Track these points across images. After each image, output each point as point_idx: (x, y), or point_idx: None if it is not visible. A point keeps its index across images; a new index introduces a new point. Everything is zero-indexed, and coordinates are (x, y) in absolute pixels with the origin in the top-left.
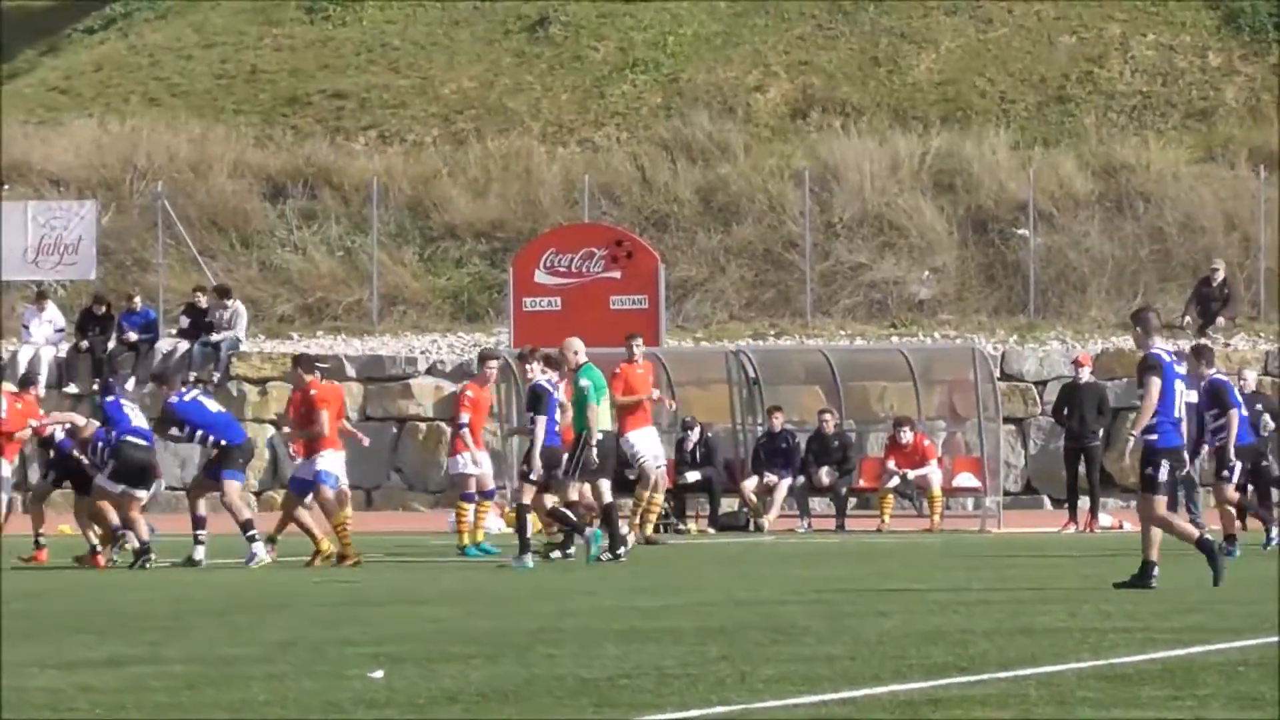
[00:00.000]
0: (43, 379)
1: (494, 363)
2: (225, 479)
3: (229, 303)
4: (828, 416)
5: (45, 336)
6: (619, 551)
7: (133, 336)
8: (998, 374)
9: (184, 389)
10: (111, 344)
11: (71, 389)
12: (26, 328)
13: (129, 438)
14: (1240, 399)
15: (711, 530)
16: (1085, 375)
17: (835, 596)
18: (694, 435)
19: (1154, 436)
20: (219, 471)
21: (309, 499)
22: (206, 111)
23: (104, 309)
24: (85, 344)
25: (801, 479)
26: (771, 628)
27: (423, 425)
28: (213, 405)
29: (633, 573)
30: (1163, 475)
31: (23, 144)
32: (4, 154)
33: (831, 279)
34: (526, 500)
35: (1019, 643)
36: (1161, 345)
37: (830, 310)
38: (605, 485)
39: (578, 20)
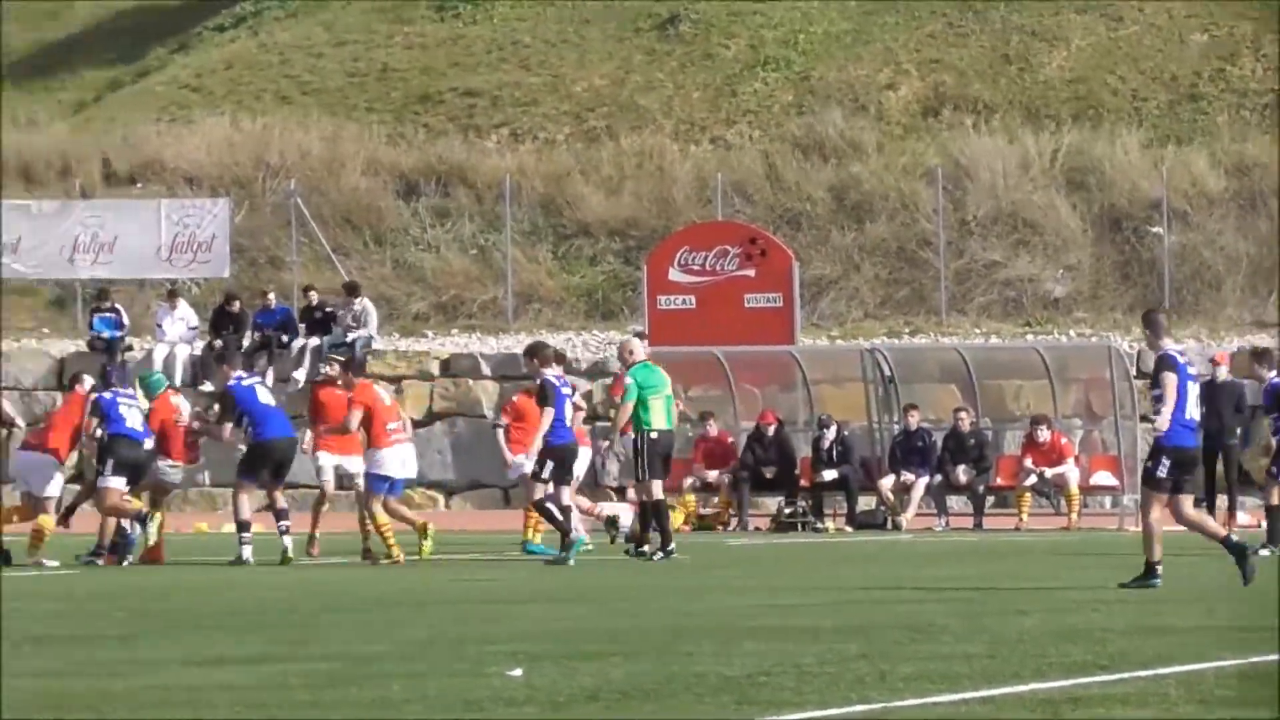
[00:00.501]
0: (178, 377)
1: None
2: (240, 480)
3: (356, 301)
4: (963, 415)
5: (179, 335)
6: (670, 549)
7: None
8: (1134, 371)
9: (243, 374)
10: (245, 342)
11: (207, 387)
12: (160, 326)
13: (121, 435)
14: None
15: (849, 528)
16: (1222, 374)
17: (973, 595)
18: (830, 434)
19: (1163, 434)
20: (243, 475)
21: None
22: (338, 109)
23: (237, 307)
24: (219, 342)
25: (938, 477)
26: (910, 626)
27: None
28: (265, 397)
29: (771, 571)
30: (1163, 473)
31: (155, 142)
32: (137, 152)
33: (965, 277)
34: (537, 496)
35: (1157, 641)
36: (1174, 347)
37: (965, 308)
38: (657, 484)
39: (708, 18)
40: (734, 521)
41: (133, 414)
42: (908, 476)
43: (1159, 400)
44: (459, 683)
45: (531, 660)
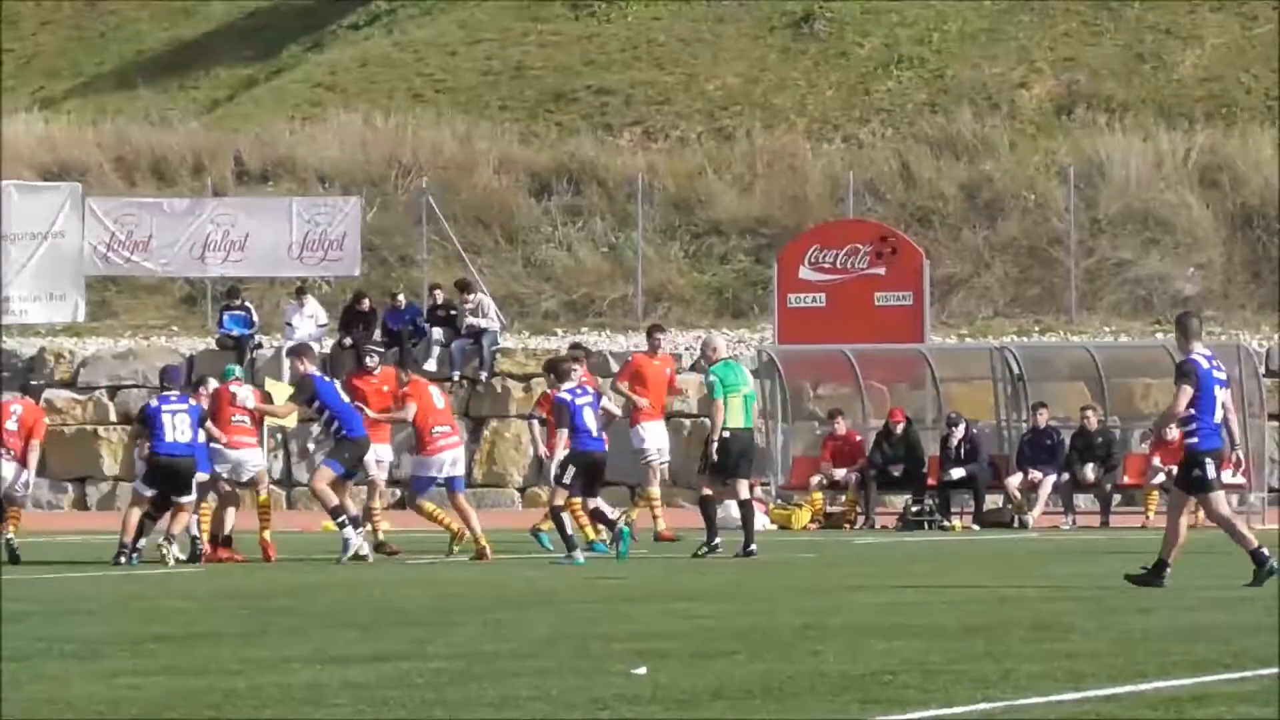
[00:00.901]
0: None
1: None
2: (324, 465)
3: (471, 297)
4: (1091, 413)
5: (308, 332)
6: (750, 549)
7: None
8: (1263, 370)
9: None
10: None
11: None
12: (290, 324)
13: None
14: None
15: (976, 526)
16: None
17: (1099, 593)
18: (959, 432)
19: (1195, 440)
20: (328, 459)
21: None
22: (471, 108)
23: (367, 305)
24: (349, 340)
25: (1066, 475)
26: (1035, 624)
27: (687, 422)
28: (344, 395)
29: (897, 569)
30: (1211, 473)
31: (288, 140)
32: (270, 150)
33: (1096, 275)
34: (558, 502)
35: None
36: (1201, 351)
37: (1095, 306)
38: (743, 484)
39: (842, 16)
40: (861, 519)
41: (178, 423)
42: (1035, 475)
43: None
44: (583, 680)
45: (656, 658)
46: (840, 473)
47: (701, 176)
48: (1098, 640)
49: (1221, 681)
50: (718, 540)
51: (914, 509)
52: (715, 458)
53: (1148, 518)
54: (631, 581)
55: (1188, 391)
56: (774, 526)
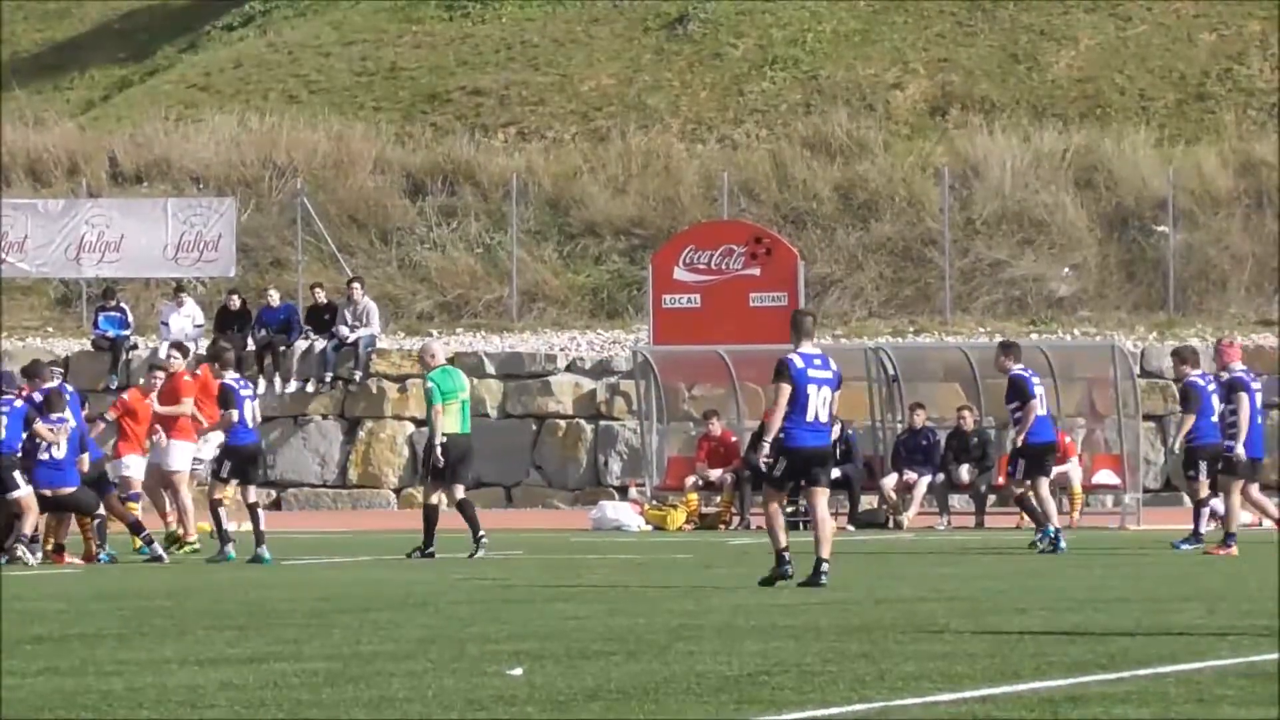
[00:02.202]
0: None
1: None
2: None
3: (359, 295)
4: (966, 414)
5: (184, 333)
6: (481, 536)
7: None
8: (1137, 371)
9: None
10: (249, 342)
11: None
12: (165, 324)
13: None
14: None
15: (851, 527)
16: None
17: (975, 594)
18: (834, 432)
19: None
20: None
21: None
22: (346, 109)
23: (238, 304)
24: (224, 341)
25: (941, 476)
26: (911, 625)
27: (562, 423)
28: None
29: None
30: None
31: (163, 141)
32: (145, 151)
33: (971, 276)
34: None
35: (1158, 640)
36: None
37: (969, 307)
38: (458, 488)
39: (716, 17)
40: (736, 520)
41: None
42: (910, 475)
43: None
44: (460, 681)
45: (532, 659)
46: (715, 473)
47: (576, 177)
48: (974, 641)
49: (1097, 682)
50: (433, 548)
51: (788, 510)
52: (439, 464)
53: (1021, 519)
54: (508, 582)
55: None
56: (649, 527)
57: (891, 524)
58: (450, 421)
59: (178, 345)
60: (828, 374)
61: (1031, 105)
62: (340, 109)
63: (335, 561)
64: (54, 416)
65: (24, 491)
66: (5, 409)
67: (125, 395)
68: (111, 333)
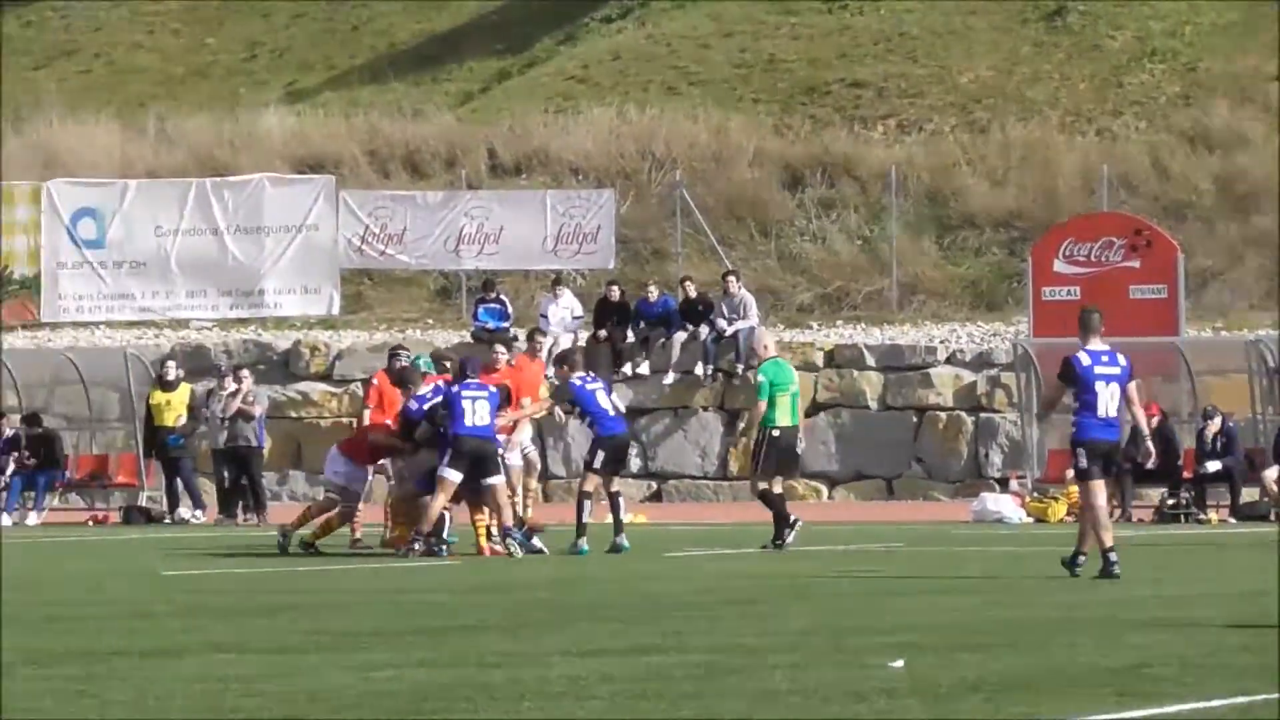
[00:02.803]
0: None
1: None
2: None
3: (735, 288)
4: None
5: (562, 325)
6: (785, 535)
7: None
8: None
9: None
10: (629, 334)
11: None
12: (544, 316)
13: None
14: None
15: (1232, 520)
16: None
17: None
18: (1214, 425)
19: None
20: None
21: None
22: (725, 100)
23: (618, 295)
24: (603, 333)
25: None
26: None
27: (942, 414)
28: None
29: (1153, 563)
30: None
31: (541, 133)
32: (524, 143)
33: None
34: (588, 488)
35: None
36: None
37: None
38: (777, 480)
39: (1095, 9)
40: (1117, 513)
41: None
42: None
43: None
44: (840, 673)
45: (913, 651)
46: None
47: (955, 169)
48: None
49: None
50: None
51: (1170, 502)
52: (765, 455)
53: None
54: (888, 574)
55: None
56: (1030, 519)
57: (1273, 516)
58: (781, 414)
59: (494, 342)
60: (1116, 369)
61: None
62: (719, 101)
63: (717, 553)
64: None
65: (500, 479)
66: (482, 394)
67: (375, 382)
68: (491, 324)
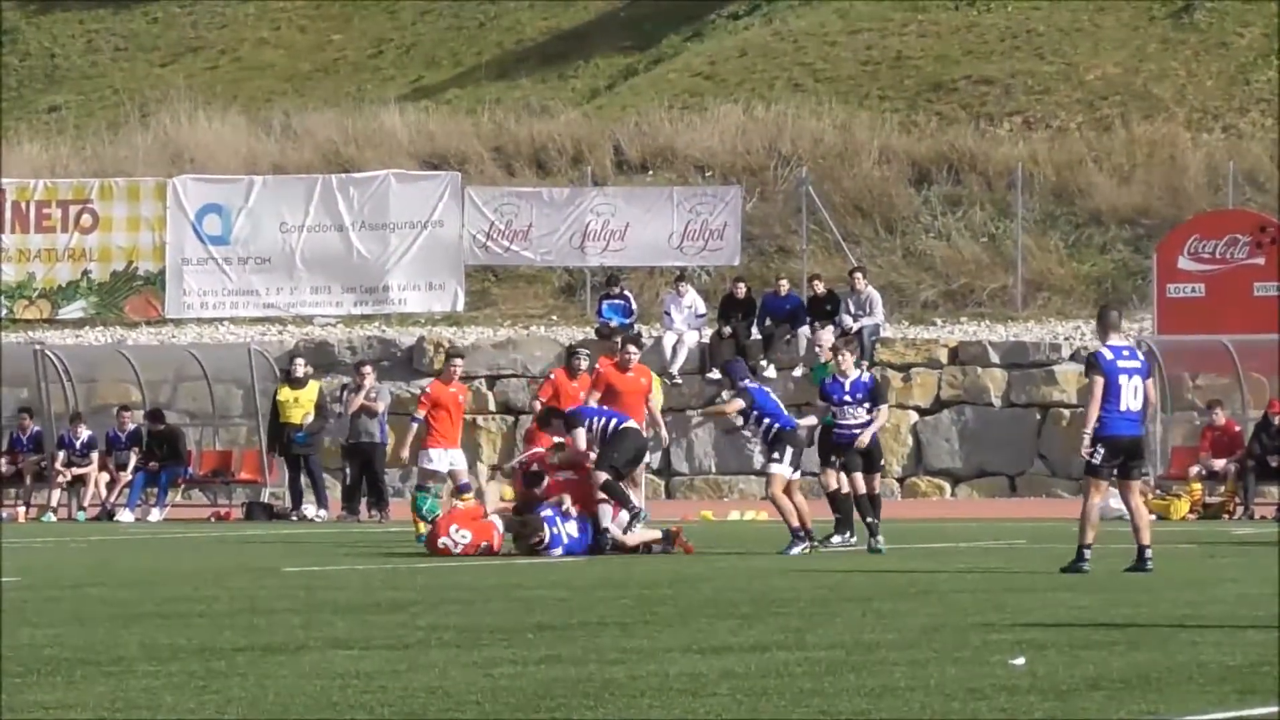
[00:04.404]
0: (678, 364)
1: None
2: (774, 471)
3: (861, 285)
4: None
5: (686, 322)
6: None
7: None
8: None
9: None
10: (754, 331)
11: (714, 375)
12: (668, 313)
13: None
14: None
15: None
16: None
17: None
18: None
19: None
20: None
21: None
22: (851, 97)
23: (744, 292)
24: (728, 330)
25: None
26: None
27: (1066, 412)
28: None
29: (1275, 561)
30: None
31: (668, 129)
32: (650, 139)
33: None
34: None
35: None
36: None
37: None
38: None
39: (1223, 6)
40: (1240, 510)
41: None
42: None
43: None
44: (962, 670)
45: (1034, 648)
46: (1219, 463)
47: (1081, 166)
48: None
49: None
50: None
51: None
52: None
53: None
54: (1010, 571)
55: None
56: (1153, 517)
57: None
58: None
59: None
60: (1136, 364)
61: None
62: (845, 98)
63: (836, 550)
64: None
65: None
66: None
67: (429, 389)
68: (615, 321)
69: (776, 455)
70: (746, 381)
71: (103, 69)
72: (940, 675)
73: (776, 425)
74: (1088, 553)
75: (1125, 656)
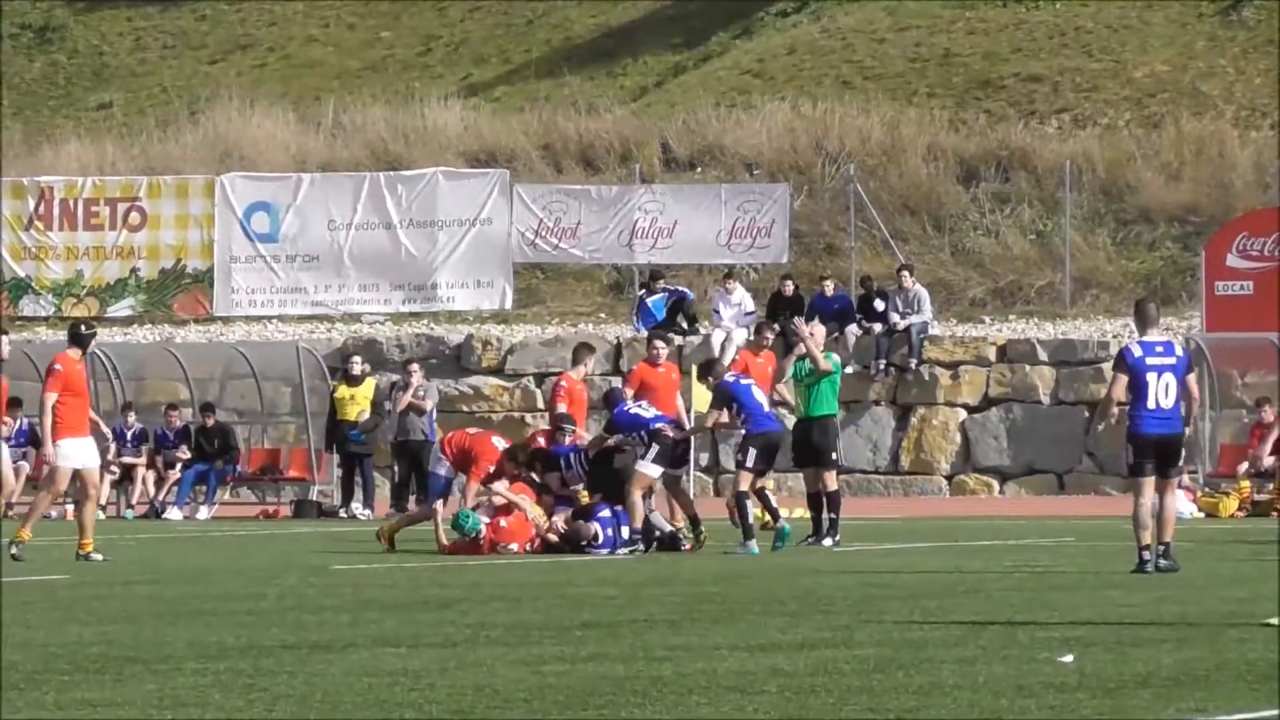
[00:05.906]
0: (726, 360)
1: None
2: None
3: (910, 283)
4: None
5: (734, 319)
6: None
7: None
8: None
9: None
10: None
11: None
12: (717, 311)
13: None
14: None
15: None
16: None
17: None
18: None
19: None
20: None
21: None
22: (899, 94)
23: (792, 290)
24: (776, 327)
25: None
26: None
27: (1114, 409)
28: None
29: None
30: None
31: (715, 127)
32: (698, 137)
33: None
34: (743, 488)
35: None
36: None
37: None
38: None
39: (1272, 3)
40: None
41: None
42: None
43: None
44: (1010, 668)
45: (1082, 646)
46: (1268, 460)
47: (1130, 164)
48: None
49: None
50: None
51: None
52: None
53: None
54: (1058, 569)
55: None
56: (1201, 514)
57: None
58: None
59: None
60: (1171, 360)
61: None
62: (893, 95)
63: (887, 548)
64: None
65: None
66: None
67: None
68: (659, 317)
69: (740, 455)
70: (726, 378)
71: (151, 66)
72: (988, 673)
73: (748, 426)
74: (1147, 554)
75: (1174, 654)
